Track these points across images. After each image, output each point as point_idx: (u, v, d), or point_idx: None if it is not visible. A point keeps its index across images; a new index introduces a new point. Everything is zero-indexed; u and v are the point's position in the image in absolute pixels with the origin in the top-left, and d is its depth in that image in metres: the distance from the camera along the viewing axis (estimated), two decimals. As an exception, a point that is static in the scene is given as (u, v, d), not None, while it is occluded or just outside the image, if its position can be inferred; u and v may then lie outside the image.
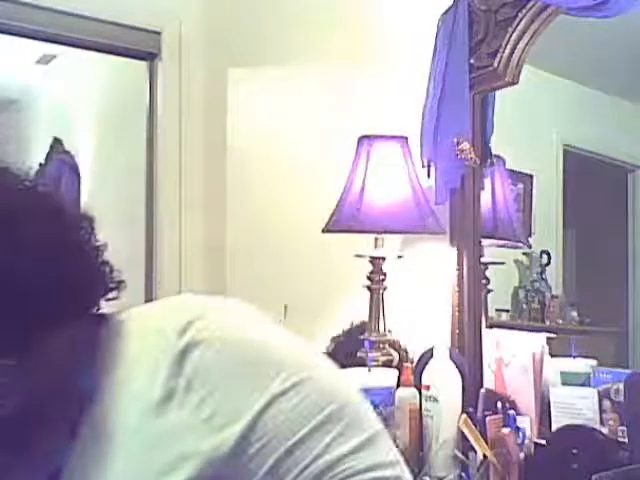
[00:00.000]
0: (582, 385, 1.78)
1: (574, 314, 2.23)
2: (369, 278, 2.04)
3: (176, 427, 0.70)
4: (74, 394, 0.73)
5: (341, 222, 1.98)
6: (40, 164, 4.36)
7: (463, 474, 1.72)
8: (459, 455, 1.73)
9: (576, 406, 1.74)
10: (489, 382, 1.89)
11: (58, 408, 0.73)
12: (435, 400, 1.78)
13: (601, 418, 1.70)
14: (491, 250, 2.06)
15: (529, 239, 2.19)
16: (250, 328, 0.76)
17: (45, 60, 4.17)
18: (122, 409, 0.72)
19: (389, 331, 2.07)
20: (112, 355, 0.75)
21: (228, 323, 0.75)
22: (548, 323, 2.20)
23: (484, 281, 2.02)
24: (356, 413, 0.73)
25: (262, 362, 0.72)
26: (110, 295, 0.80)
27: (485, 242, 2.02)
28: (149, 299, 2.82)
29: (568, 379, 1.83)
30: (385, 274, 2.05)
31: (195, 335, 0.72)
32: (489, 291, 2.05)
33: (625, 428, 1.64)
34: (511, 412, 1.74)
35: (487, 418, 1.69)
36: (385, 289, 2.05)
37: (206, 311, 0.75)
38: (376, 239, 2.04)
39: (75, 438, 0.72)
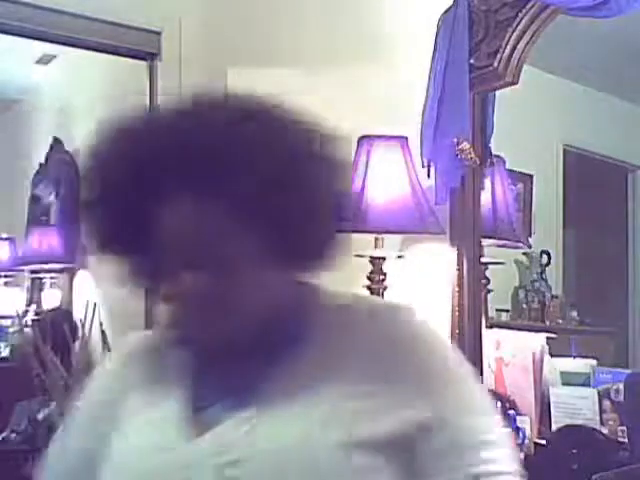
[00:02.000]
0: (582, 385, 1.78)
1: (574, 314, 2.23)
2: (369, 278, 2.04)
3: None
4: (284, 329, 0.90)
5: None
6: (40, 164, 4.36)
7: (463, 474, 1.71)
8: (459, 455, 1.73)
9: (576, 406, 1.75)
10: (489, 382, 1.89)
11: (273, 337, 0.89)
12: (435, 400, 1.77)
13: (601, 418, 1.70)
14: (491, 250, 2.06)
15: (529, 239, 2.18)
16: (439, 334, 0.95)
17: (45, 60, 4.17)
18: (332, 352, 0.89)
19: (389, 331, 2.07)
20: (321, 314, 0.93)
21: (427, 322, 0.94)
22: (548, 323, 2.20)
23: (484, 281, 2.02)
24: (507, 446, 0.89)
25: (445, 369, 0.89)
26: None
27: (485, 242, 2.02)
28: (149, 292, 2.84)
29: (568, 379, 1.83)
30: (385, 274, 2.05)
31: (410, 331, 0.91)
32: (489, 291, 2.05)
33: (625, 428, 1.64)
34: (511, 412, 1.74)
35: (487, 418, 1.69)
36: (385, 289, 2.05)
37: (413, 309, 0.94)
38: (376, 239, 2.04)
39: (273, 365, 0.88)
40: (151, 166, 0.85)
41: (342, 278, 0.95)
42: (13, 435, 3.10)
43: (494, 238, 2.08)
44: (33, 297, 4.34)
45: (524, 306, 2.24)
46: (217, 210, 0.84)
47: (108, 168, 0.89)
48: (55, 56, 4.11)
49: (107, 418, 0.94)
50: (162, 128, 0.88)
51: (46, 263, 4.05)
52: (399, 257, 2.09)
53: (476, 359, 1.92)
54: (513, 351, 1.89)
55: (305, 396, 0.85)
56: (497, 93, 1.98)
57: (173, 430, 0.89)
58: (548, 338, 1.93)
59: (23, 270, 4.32)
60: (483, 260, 2.01)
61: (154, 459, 0.88)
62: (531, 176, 2.27)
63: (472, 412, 0.87)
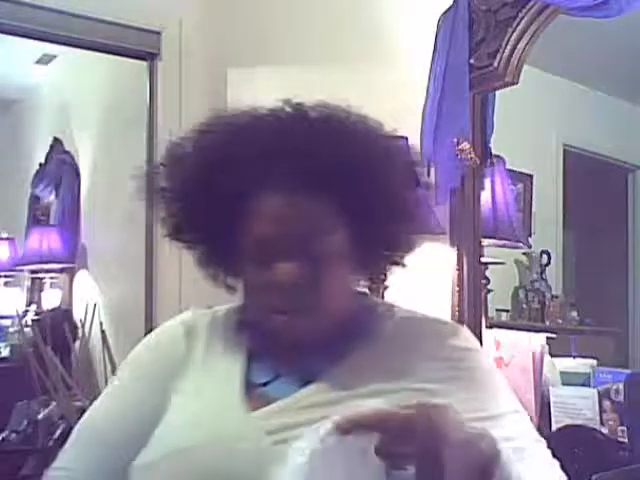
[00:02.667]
0: (582, 385, 1.78)
1: (574, 314, 2.23)
2: (369, 278, 2.03)
3: None
4: (351, 327, 0.98)
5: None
6: (40, 164, 4.36)
7: (463, 474, 1.71)
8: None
9: (576, 406, 1.75)
10: (489, 382, 1.89)
11: (341, 332, 0.97)
12: (435, 400, 1.77)
13: (601, 418, 1.70)
14: (491, 250, 2.06)
15: (529, 239, 2.18)
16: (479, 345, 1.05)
17: (45, 60, 4.17)
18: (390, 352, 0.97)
19: (389, 331, 2.07)
20: (387, 321, 1.02)
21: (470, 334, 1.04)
22: (548, 323, 2.20)
23: (484, 281, 2.02)
24: None
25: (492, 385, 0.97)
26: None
27: (485, 242, 2.02)
28: (149, 292, 2.87)
29: (568, 379, 1.83)
30: (385, 274, 2.04)
31: (463, 343, 0.99)
32: (489, 291, 2.05)
33: (625, 428, 1.64)
34: (511, 412, 1.74)
35: (487, 418, 1.69)
36: (385, 289, 2.05)
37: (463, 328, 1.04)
38: (376, 239, 2.03)
39: (337, 356, 0.95)
40: (255, 162, 0.92)
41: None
42: (13, 435, 3.09)
43: (494, 238, 2.07)
44: (33, 297, 4.34)
45: (524, 306, 2.24)
46: (317, 207, 0.92)
47: (211, 160, 0.95)
48: (55, 56, 4.10)
49: (167, 383, 0.99)
50: (266, 127, 0.96)
51: (46, 263, 4.04)
52: (399, 257, 2.09)
53: (476, 359, 1.92)
54: (513, 351, 1.89)
55: (365, 389, 0.91)
56: (497, 93, 1.98)
57: (229, 402, 0.94)
58: (548, 338, 1.93)
59: (23, 270, 4.32)
60: (483, 260, 2.01)
61: (209, 429, 0.91)
62: (531, 176, 2.27)
63: (507, 412, 0.94)
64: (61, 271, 4.07)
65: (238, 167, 0.93)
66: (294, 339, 0.96)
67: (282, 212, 0.92)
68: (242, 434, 0.89)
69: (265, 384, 0.96)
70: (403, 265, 1.07)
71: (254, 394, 0.95)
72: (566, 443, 1.62)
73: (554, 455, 0.94)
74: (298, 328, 0.94)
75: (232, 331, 1.03)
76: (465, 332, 1.03)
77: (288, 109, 0.98)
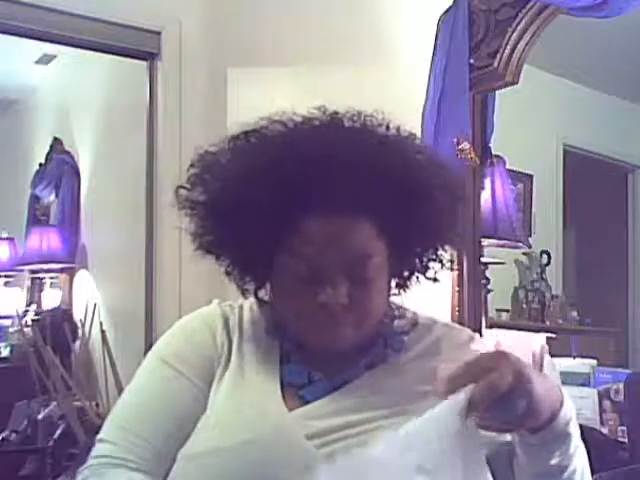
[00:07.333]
0: (582, 385, 1.78)
1: (574, 314, 2.23)
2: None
3: None
4: (384, 341, 1.01)
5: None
6: (40, 164, 4.36)
7: (463, 474, 1.71)
8: (459, 455, 1.72)
9: (576, 406, 1.74)
10: (489, 382, 1.89)
11: (374, 338, 1.00)
12: (435, 400, 1.77)
13: (601, 418, 1.71)
14: (491, 250, 2.06)
15: (529, 239, 2.19)
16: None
17: (45, 60, 4.17)
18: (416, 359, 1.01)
19: (389, 331, 2.07)
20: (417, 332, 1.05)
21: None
22: (548, 323, 2.20)
23: (484, 281, 2.02)
24: None
25: None
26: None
27: (485, 242, 2.02)
28: (149, 292, 2.87)
29: (568, 379, 1.83)
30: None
31: (484, 349, 1.01)
32: (489, 291, 2.05)
33: (625, 428, 1.64)
34: (511, 412, 1.74)
35: (487, 418, 1.69)
36: (385, 289, 2.05)
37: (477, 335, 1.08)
38: (376, 239, 2.03)
39: (369, 369, 0.99)
40: (299, 181, 0.90)
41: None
42: (13, 435, 3.10)
43: (494, 238, 2.07)
44: (33, 297, 4.34)
45: (524, 306, 2.24)
46: (363, 229, 0.92)
47: (253, 176, 0.92)
48: (55, 56, 4.11)
49: (208, 375, 0.99)
50: (307, 141, 0.93)
51: (46, 263, 4.05)
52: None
53: (476, 359, 1.92)
54: (513, 351, 1.88)
55: (396, 394, 0.95)
56: (497, 93, 1.98)
57: (270, 400, 0.95)
58: (548, 338, 1.93)
59: (23, 270, 4.32)
60: (483, 260, 2.01)
61: (250, 426, 0.92)
62: (531, 176, 2.28)
63: None
64: (61, 271, 4.07)
65: (281, 185, 0.91)
66: (332, 349, 0.97)
67: (330, 235, 0.91)
68: (284, 433, 0.90)
69: (300, 385, 0.98)
70: (436, 280, 1.04)
71: (290, 394, 0.96)
72: (566, 443, 1.62)
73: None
74: (338, 341, 0.96)
75: (264, 331, 1.03)
76: (480, 338, 1.07)
77: (325, 118, 0.96)
